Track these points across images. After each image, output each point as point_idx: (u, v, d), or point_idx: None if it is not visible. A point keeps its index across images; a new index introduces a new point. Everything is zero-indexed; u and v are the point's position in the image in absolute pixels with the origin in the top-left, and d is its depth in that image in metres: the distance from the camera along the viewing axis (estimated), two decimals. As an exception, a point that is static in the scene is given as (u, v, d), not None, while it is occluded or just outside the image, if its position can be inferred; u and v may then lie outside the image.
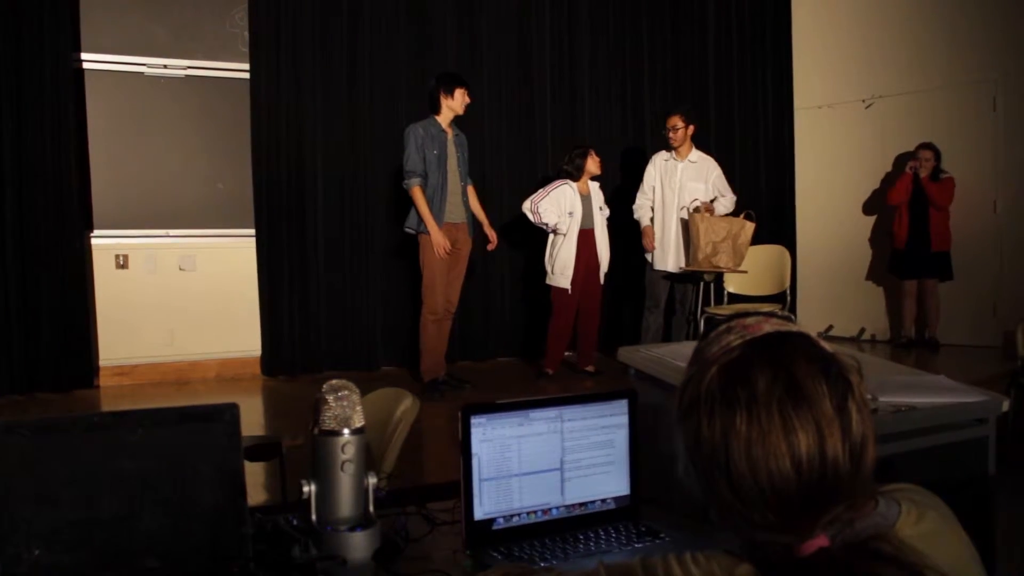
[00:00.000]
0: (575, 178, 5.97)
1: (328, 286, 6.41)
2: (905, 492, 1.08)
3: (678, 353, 1.86)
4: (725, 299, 6.46)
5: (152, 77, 6.16)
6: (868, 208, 7.66)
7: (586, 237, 5.99)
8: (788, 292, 6.44)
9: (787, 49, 8.05)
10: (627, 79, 7.41)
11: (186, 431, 1.38)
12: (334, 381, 1.45)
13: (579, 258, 5.94)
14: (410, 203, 5.46)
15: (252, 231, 6.28)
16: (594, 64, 7.29)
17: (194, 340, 6.22)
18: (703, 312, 6.25)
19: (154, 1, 6.16)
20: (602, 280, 6.11)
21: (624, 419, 1.69)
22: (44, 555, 1.31)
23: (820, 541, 0.94)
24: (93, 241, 5.97)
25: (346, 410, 1.39)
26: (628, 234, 6.53)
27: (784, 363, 0.95)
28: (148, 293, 6.11)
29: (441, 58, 6.69)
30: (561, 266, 5.95)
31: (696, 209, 6.03)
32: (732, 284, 6.45)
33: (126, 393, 5.83)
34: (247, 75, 6.28)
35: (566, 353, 6.26)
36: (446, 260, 5.49)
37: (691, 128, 6.18)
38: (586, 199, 6.01)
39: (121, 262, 6.09)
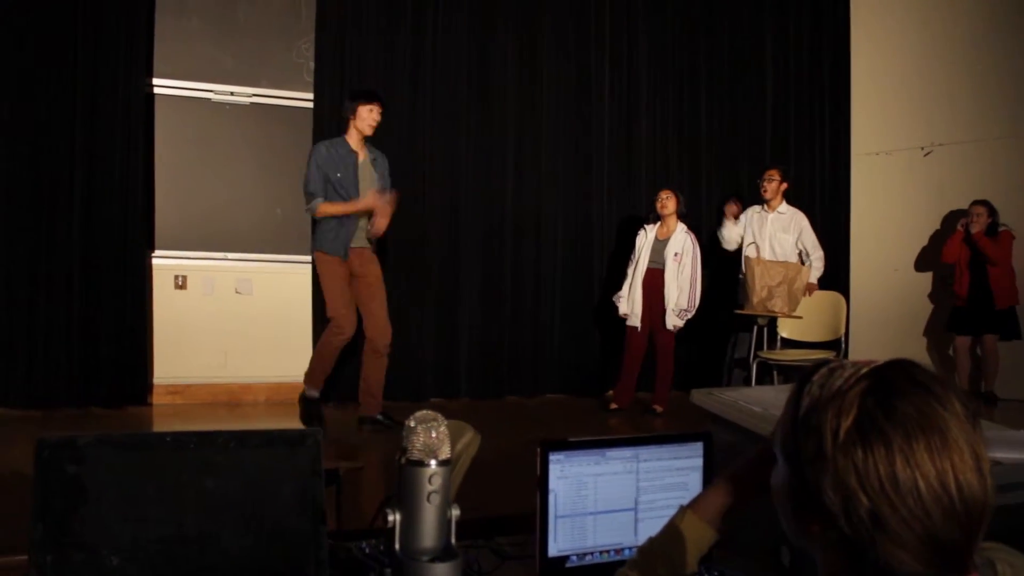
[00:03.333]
0: (653, 221, 6.24)
1: (380, 315, 6.44)
2: (997, 552, 1.04)
3: (751, 397, 1.85)
4: (778, 344, 6.38)
5: (218, 103, 6.29)
6: (923, 260, 7.56)
7: (653, 277, 6.12)
8: (843, 340, 6.35)
9: (845, 93, 7.99)
10: (684, 120, 7.41)
11: (270, 454, 1.40)
12: (422, 412, 1.46)
13: (646, 296, 6.11)
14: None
15: (308, 257, 6.33)
16: (652, 98, 7.30)
17: (247, 363, 6.28)
18: (756, 357, 6.19)
19: (224, 30, 6.31)
20: (669, 324, 6.12)
21: (699, 461, 1.68)
22: (124, 565, 1.32)
23: None
24: (154, 261, 6.08)
25: (434, 441, 1.40)
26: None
27: (925, 385, 0.92)
28: (204, 314, 6.20)
29: (501, 88, 6.77)
30: (630, 303, 6.19)
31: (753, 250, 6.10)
32: (786, 329, 6.37)
33: (178, 412, 5.90)
34: (310, 104, 6.39)
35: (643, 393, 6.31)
36: (344, 278, 5.20)
37: (784, 184, 6.40)
38: (660, 242, 6.16)
39: (180, 283, 6.19)
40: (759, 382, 5.98)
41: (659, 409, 6.09)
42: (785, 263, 6.16)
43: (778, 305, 5.97)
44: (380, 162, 5.34)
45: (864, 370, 0.96)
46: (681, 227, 6.19)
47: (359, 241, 5.24)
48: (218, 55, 6.30)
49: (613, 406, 6.14)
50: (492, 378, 6.74)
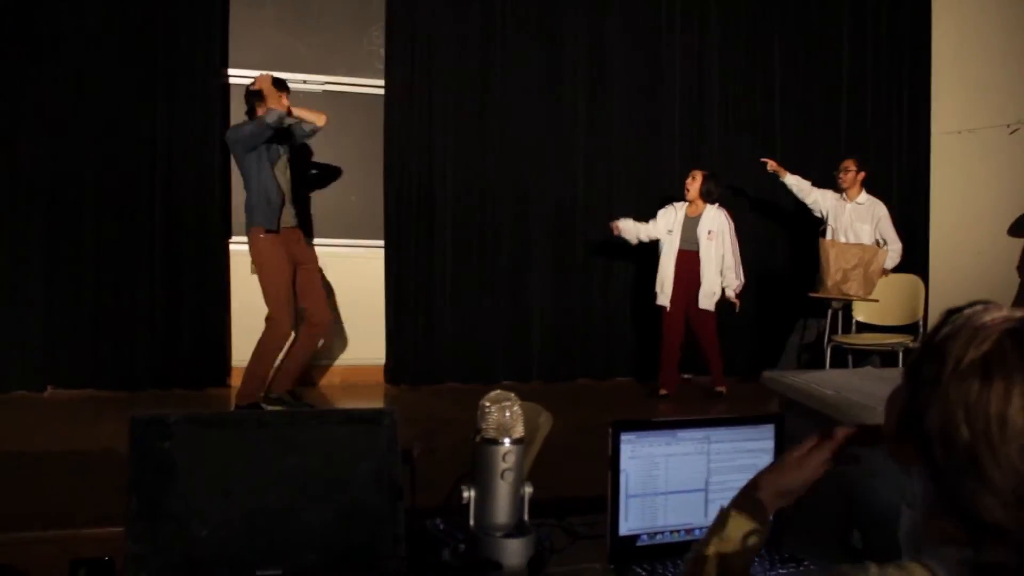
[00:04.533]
0: (684, 198, 6.15)
1: (453, 299, 6.52)
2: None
3: (824, 380, 1.84)
4: (853, 328, 6.28)
5: (292, 91, 6.39)
6: (1007, 242, 7.33)
7: (687, 258, 6.08)
8: (921, 323, 6.22)
9: (926, 70, 7.76)
10: (756, 101, 7.30)
11: (350, 432, 1.45)
12: (496, 392, 1.49)
13: (679, 279, 6.07)
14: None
15: (381, 243, 6.45)
16: (724, 87, 7.20)
17: (322, 346, 6.40)
18: (830, 340, 6.10)
19: (296, 19, 6.41)
20: (705, 304, 6.09)
21: (770, 444, 1.68)
22: (211, 536, 1.39)
23: None
24: (231, 247, 6.23)
25: (508, 420, 1.43)
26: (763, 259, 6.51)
27: None
28: (280, 299, 6.33)
29: (571, 73, 6.76)
30: (659, 284, 6.17)
31: (822, 234, 6.03)
32: (861, 313, 6.26)
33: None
34: (382, 91, 6.47)
35: (686, 376, 6.28)
36: (288, 260, 5.24)
37: (862, 174, 6.34)
38: (691, 220, 6.10)
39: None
40: (833, 367, 5.89)
41: (722, 390, 6.07)
42: (861, 245, 6.06)
43: (853, 288, 5.88)
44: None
45: (1020, 313, 0.94)
46: (712, 206, 6.14)
47: (289, 220, 5.32)
48: (291, 44, 6.41)
49: (662, 391, 6.12)
50: (564, 361, 6.77)
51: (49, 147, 5.74)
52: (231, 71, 6.24)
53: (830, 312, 6.16)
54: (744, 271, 6.21)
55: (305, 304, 5.41)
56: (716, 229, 6.08)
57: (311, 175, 6.42)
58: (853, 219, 6.32)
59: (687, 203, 6.17)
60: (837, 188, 6.41)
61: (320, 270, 5.58)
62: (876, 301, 6.01)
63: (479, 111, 6.61)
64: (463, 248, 6.56)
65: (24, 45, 5.68)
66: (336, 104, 6.46)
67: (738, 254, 6.17)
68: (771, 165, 6.49)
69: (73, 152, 5.78)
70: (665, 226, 6.17)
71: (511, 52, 6.68)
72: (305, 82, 6.39)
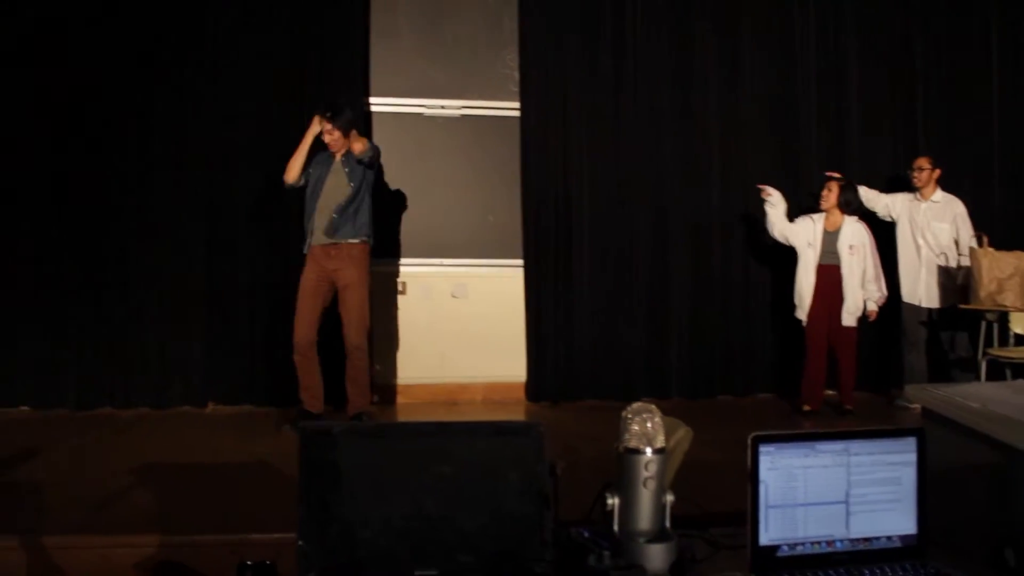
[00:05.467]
0: (820, 211, 6.06)
1: (592, 316, 6.58)
2: None
3: (969, 393, 1.83)
4: (1011, 341, 6.01)
5: (430, 117, 6.63)
6: None
7: (828, 273, 5.98)
8: (1087, 336, 5.90)
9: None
10: (898, 109, 7.08)
11: (500, 443, 1.54)
12: (638, 404, 1.56)
13: (820, 293, 5.97)
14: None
15: (520, 261, 6.59)
16: (863, 95, 7.02)
17: (463, 364, 6.58)
18: (985, 354, 5.86)
19: (433, 48, 6.64)
20: (848, 321, 5.97)
21: (912, 457, 1.68)
22: (373, 538, 1.50)
23: None
24: (376, 269, 6.46)
25: (650, 431, 1.49)
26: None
27: None
28: (423, 318, 6.55)
29: (703, 88, 6.75)
30: (798, 297, 6.09)
31: (978, 240, 5.82)
32: (1019, 326, 5.99)
33: (400, 411, 6.27)
34: (517, 113, 6.62)
35: (829, 392, 6.14)
36: (318, 276, 5.30)
37: (936, 172, 6.21)
38: (831, 234, 6.00)
39: (400, 288, 6.57)
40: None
41: (851, 408, 5.95)
42: (1016, 253, 5.79)
43: (1009, 299, 5.63)
44: (350, 157, 5.42)
45: None
46: (851, 218, 6.00)
47: (323, 238, 5.34)
48: (429, 71, 6.64)
49: (806, 408, 6.01)
50: (703, 377, 6.72)
51: (207, 176, 6.13)
52: (372, 99, 6.52)
53: (983, 324, 5.91)
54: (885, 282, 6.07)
55: (343, 326, 5.41)
56: (858, 243, 5.96)
57: (450, 197, 6.60)
58: (930, 218, 6.18)
59: (824, 214, 6.06)
60: (912, 188, 6.27)
61: (358, 290, 5.37)
62: (1036, 312, 5.74)
63: (613, 128, 6.67)
64: (601, 265, 6.62)
65: (185, 82, 6.11)
66: (473, 127, 6.66)
67: (879, 266, 6.03)
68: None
69: (229, 180, 6.16)
70: (805, 238, 6.07)
71: (643, 68, 6.71)
72: (443, 107, 6.61)
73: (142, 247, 6.07)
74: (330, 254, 5.34)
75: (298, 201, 5.62)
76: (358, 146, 5.35)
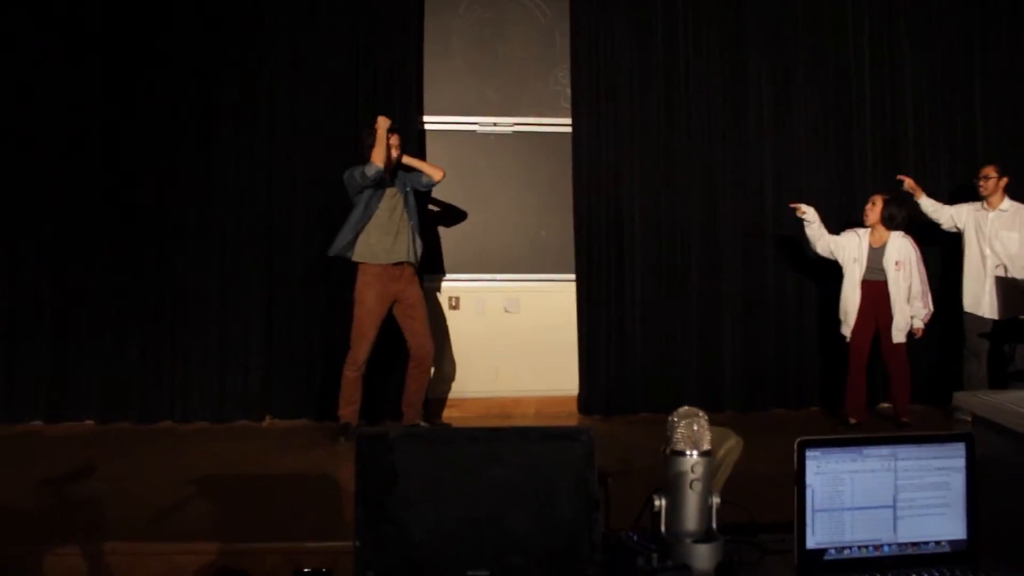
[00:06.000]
0: (865, 226, 6.05)
1: (644, 330, 6.58)
2: None
3: (1018, 399, 1.83)
4: (1072, 351, 5.90)
5: (483, 134, 6.71)
6: None
7: (873, 289, 5.94)
8: None
9: None
10: (955, 124, 6.99)
11: (549, 448, 1.59)
12: (684, 408, 1.59)
13: (865, 309, 5.95)
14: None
15: (572, 276, 6.63)
16: (919, 112, 6.94)
17: (517, 377, 6.63)
18: (1044, 365, 5.76)
19: (485, 66, 6.74)
20: (898, 338, 5.92)
21: (961, 462, 1.69)
22: (427, 539, 1.56)
23: None
24: (430, 284, 6.56)
25: (696, 434, 1.53)
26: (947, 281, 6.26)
27: None
28: (476, 332, 6.62)
29: (756, 103, 6.74)
30: (843, 313, 6.08)
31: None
32: (1080, 335, 5.89)
33: (455, 424, 6.32)
34: (569, 129, 6.67)
35: (884, 405, 6.09)
36: (381, 295, 5.47)
37: (1004, 180, 6.10)
38: (876, 250, 5.96)
39: (453, 303, 6.65)
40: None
41: (907, 421, 5.90)
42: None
43: (1070, 309, 5.52)
44: (404, 179, 5.75)
45: None
46: (896, 232, 5.94)
47: (392, 257, 5.54)
48: (481, 89, 6.73)
49: (852, 420, 5.98)
50: (756, 390, 6.69)
51: (266, 194, 6.28)
52: (427, 118, 6.62)
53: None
54: (932, 297, 6.00)
55: (408, 339, 5.69)
56: (903, 259, 5.90)
57: (503, 213, 6.67)
58: (998, 227, 6.06)
59: (869, 229, 6.02)
60: (978, 197, 6.16)
61: (424, 306, 5.72)
62: (1097, 323, 5.63)
63: (664, 145, 6.68)
64: (653, 279, 6.63)
65: (241, 102, 6.27)
66: (525, 144, 6.73)
67: (926, 282, 5.96)
68: (908, 183, 6.27)
69: (287, 198, 6.30)
70: (850, 254, 6.03)
71: (694, 83, 6.73)
72: (496, 124, 6.69)
73: (203, 264, 6.23)
74: (395, 275, 5.56)
75: (347, 215, 5.75)
76: (438, 174, 5.70)
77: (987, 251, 6.11)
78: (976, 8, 7.02)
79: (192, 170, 6.24)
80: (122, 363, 6.14)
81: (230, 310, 6.25)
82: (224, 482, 4.45)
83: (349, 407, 5.56)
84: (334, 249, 5.60)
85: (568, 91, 6.73)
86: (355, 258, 5.56)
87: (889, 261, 5.91)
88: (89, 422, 6.11)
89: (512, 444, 1.58)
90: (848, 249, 6.04)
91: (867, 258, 5.98)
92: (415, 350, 5.66)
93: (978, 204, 6.19)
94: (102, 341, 6.14)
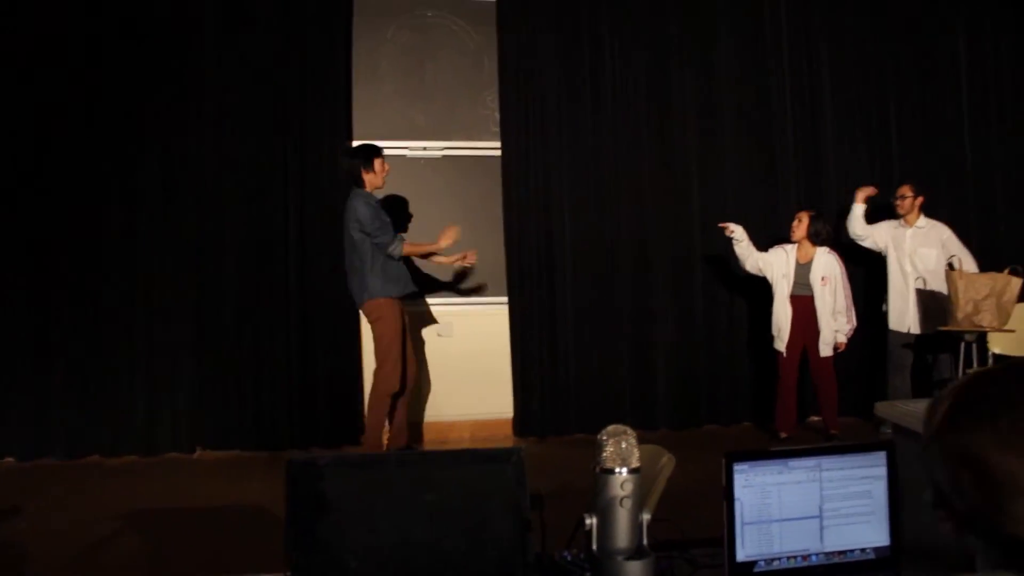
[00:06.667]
0: (792, 241, 6.18)
1: (577, 351, 6.63)
2: None
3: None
4: (990, 361, 6.09)
5: (413, 158, 6.71)
6: None
7: (801, 303, 6.07)
8: (1064, 352, 5.99)
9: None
10: (873, 143, 7.20)
11: (481, 470, 1.59)
12: (612, 426, 1.61)
13: (796, 324, 6.07)
14: (360, 273, 5.61)
15: (505, 298, 6.65)
16: (839, 127, 7.15)
17: (451, 402, 6.61)
18: (965, 374, 5.92)
19: (414, 91, 6.74)
20: (825, 351, 6.06)
21: (882, 471, 1.74)
22: (361, 567, 1.54)
23: None
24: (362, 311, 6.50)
25: (624, 451, 1.54)
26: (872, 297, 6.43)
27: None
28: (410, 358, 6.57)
29: (681, 123, 6.86)
30: (775, 329, 6.19)
31: (950, 266, 5.89)
32: (997, 345, 6.08)
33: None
34: (499, 153, 6.71)
35: (814, 418, 6.22)
36: (401, 323, 5.64)
37: (919, 199, 6.30)
38: (803, 266, 6.10)
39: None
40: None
41: (836, 433, 6.05)
42: (991, 275, 5.89)
43: (987, 320, 5.71)
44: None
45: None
46: (822, 248, 6.09)
47: (404, 290, 5.72)
48: (410, 114, 6.73)
49: (783, 435, 6.12)
50: (689, 408, 6.78)
51: (195, 221, 6.18)
52: (356, 143, 6.58)
53: (963, 345, 5.99)
54: (856, 313, 6.15)
55: (411, 368, 5.80)
56: (829, 274, 6.05)
57: (433, 237, 6.64)
58: (916, 244, 6.26)
59: (796, 245, 6.15)
60: (896, 216, 6.35)
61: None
62: (1012, 332, 5.82)
63: (592, 166, 6.76)
64: (585, 300, 6.68)
65: (169, 126, 6.18)
66: (455, 168, 6.74)
67: (850, 297, 6.13)
68: (864, 192, 6.40)
69: (216, 225, 6.20)
70: (779, 270, 6.15)
71: (621, 105, 6.82)
72: (425, 148, 6.69)
73: (128, 293, 6.09)
74: (402, 305, 5.72)
75: (272, 246, 5.71)
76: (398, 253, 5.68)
77: (907, 267, 6.28)
78: (888, 32, 7.25)
79: (118, 199, 6.11)
80: (45, 396, 5.95)
81: (158, 339, 6.11)
82: (154, 516, 4.35)
83: (379, 432, 5.67)
84: (378, 292, 5.63)
85: (497, 115, 6.77)
86: (378, 294, 5.63)
87: (816, 276, 6.05)
88: (9, 459, 5.90)
89: (444, 468, 1.58)
90: (776, 265, 6.16)
91: (795, 273, 6.11)
92: (409, 380, 5.77)
93: (896, 222, 6.37)
94: (22, 374, 5.95)
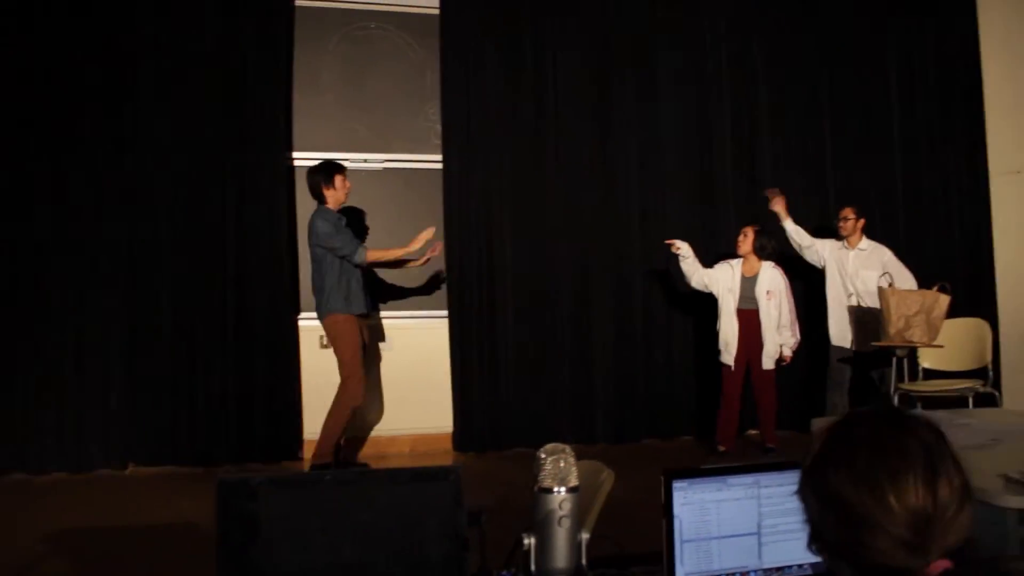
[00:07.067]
0: (737, 256, 6.24)
1: (516, 366, 6.62)
2: None
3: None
4: (920, 375, 6.23)
5: (354, 171, 6.63)
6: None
7: (747, 317, 6.14)
8: (990, 367, 6.14)
9: (979, 112, 7.73)
10: (809, 156, 7.34)
11: (417, 489, 1.56)
12: (551, 445, 1.59)
13: (741, 338, 6.12)
14: (321, 290, 5.69)
15: (445, 312, 6.61)
16: (774, 140, 7.28)
17: (390, 416, 6.55)
18: (897, 389, 6.05)
19: (355, 102, 6.69)
20: (768, 364, 6.14)
21: (820, 487, 1.74)
22: (294, 593, 1.50)
23: (943, 564, 1.09)
24: (300, 323, 6.42)
25: (563, 470, 1.52)
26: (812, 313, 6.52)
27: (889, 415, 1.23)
28: (348, 372, 6.50)
29: (623, 140, 6.91)
30: (722, 343, 6.22)
31: (889, 284, 5.99)
32: (927, 360, 6.23)
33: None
34: (440, 166, 6.69)
35: (752, 431, 6.28)
36: (360, 337, 5.73)
37: (861, 221, 6.40)
38: (748, 280, 6.16)
39: (324, 342, 6.49)
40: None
41: (772, 446, 6.12)
42: (922, 292, 6.02)
43: (917, 335, 5.83)
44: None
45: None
46: (767, 263, 6.17)
47: (363, 307, 5.80)
48: (351, 125, 6.68)
49: (721, 448, 6.16)
50: (628, 422, 6.80)
51: (127, 231, 6.03)
52: (296, 154, 6.52)
53: (895, 360, 6.11)
54: (800, 327, 6.23)
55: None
56: (774, 288, 6.12)
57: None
58: (858, 266, 6.34)
59: (741, 260, 6.22)
60: (839, 237, 6.44)
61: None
62: (941, 347, 5.96)
63: (534, 180, 6.77)
64: (525, 315, 6.68)
65: (105, 132, 6.03)
66: (397, 180, 6.70)
67: (794, 311, 6.21)
68: (778, 204, 6.40)
69: (149, 235, 6.07)
70: (724, 284, 6.20)
71: (563, 120, 6.86)
72: (366, 160, 6.64)
73: (56, 301, 5.90)
74: (360, 322, 5.79)
75: (208, 257, 5.62)
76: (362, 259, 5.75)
77: (850, 288, 6.36)
78: (825, 58, 7.42)
79: (50, 201, 5.92)
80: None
81: (88, 349, 5.94)
82: (84, 537, 4.22)
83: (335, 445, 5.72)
84: (337, 308, 5.68)
85: (439, 127, 6.75)
86: (337, 310, 5.70)
87: (761, 290, 6.12)
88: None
89: (380, 487, 1.54)
90: (722, 280, 6.22)
91: (740, 287, 6.17)
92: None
93: (839, 243, 6.45)
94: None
